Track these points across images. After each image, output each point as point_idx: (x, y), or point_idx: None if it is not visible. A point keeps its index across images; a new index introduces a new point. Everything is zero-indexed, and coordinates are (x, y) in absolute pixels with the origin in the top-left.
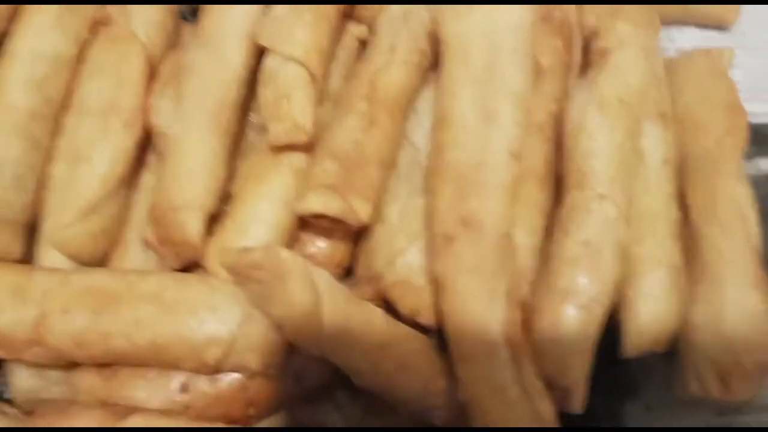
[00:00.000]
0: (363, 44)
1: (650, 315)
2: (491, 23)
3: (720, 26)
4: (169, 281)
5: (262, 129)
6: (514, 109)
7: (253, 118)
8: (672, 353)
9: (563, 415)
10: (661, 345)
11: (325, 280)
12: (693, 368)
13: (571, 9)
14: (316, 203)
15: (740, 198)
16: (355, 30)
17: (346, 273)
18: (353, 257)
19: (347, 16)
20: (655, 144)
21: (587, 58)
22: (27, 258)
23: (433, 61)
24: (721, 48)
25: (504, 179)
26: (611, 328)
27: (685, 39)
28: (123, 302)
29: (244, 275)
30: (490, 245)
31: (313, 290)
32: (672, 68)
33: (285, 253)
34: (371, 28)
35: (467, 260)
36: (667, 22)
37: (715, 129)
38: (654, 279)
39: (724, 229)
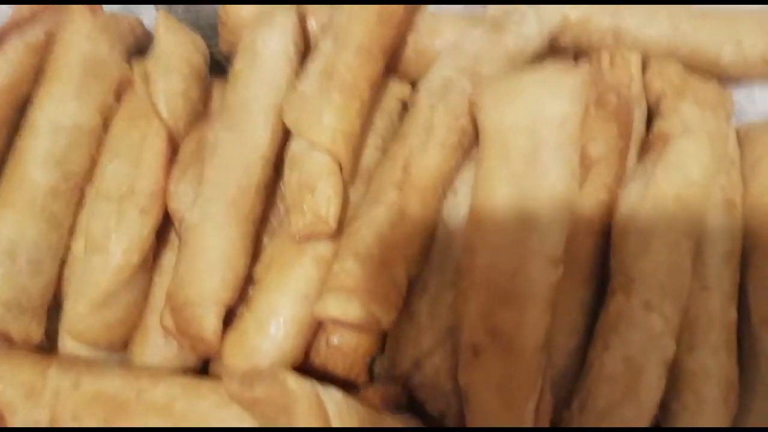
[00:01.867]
0: (405, 106)
1: None
2: (535, 116)
3: None
4: (179, 391)
5: (286, 215)
6: (556, 211)
7: (282, 187)
8: None
9: None
10: None
11: (337, 405)
12: None
13: (633, 79)
14: (335, 309)
15: None
16: (397, 90)
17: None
18: (383, 345)
19: (390, 71)
20: (718, 237)
21: (649, 139)
22: (52, 331)
23: (474, 138)
24: None
25: (541, 290)
26: None
27: None
28: (132, 413)
29: (249, 405)
30: (521, 361)
31: (322, 418)
32: (748, 137)
33: (292, 382)
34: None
35: (494, 375)
36: (749, 78)
37: None
38: (704, 394)
39: None
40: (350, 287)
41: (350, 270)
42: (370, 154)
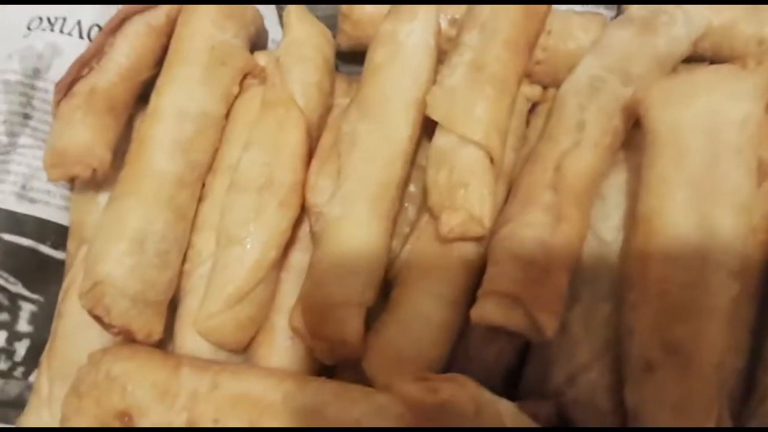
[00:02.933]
0: (533, 107)
1: None
2: (714, 117)
3: None
4: (330, 396)
5: (425, 209)
6: (738, 219)
7: (412, 188)
8: None
9: None
10: None
11: (511, 416)
12: None
13: None
14: (496, 315)
15: None
16: (527, 90)
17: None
18: (522, 359)
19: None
20: None
21: None
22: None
23: (623, 139)
24: None
25: (721, 302)
26: None
27: None
28: (279, 416)
29: (423, 415)
30: (699, 378)
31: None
32: None
33: (472, 387)
34: (544, 88)
35: (671, 395)
36: None
37: None
38: None
39: None
40: (512, 292)
41: (510, 274)
42: (507, 154)
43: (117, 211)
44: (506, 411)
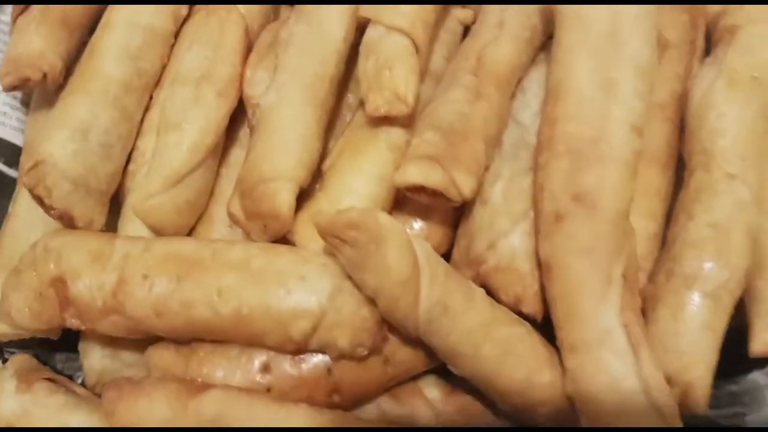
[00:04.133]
0: (467, 30)
1: None
2: None
3: None
4: (257, 249)
5: (360, 106)
6: (637, 80)
7: (350, 97)
8: None
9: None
10: None
11: (425, 250)
12: None
13: None
14: (417, 174)
15: None
16: (459, 13)
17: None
18: (451, 242)
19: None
20: None
21: (714, 37)
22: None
23: (544, 39)
24: None
25: (624, 155)
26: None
27: None
28: (207, 270)
29: (339, 237)
30: (606, 224)
31: (412, 258)
32: None
33: (383, 217)
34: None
35: (580, 239)
36: None
37: None
38: None
39: None
40: (431, 154)
41: (430, 140)
42: (437, 60)
43: (64, 104)
44: (420, 245)
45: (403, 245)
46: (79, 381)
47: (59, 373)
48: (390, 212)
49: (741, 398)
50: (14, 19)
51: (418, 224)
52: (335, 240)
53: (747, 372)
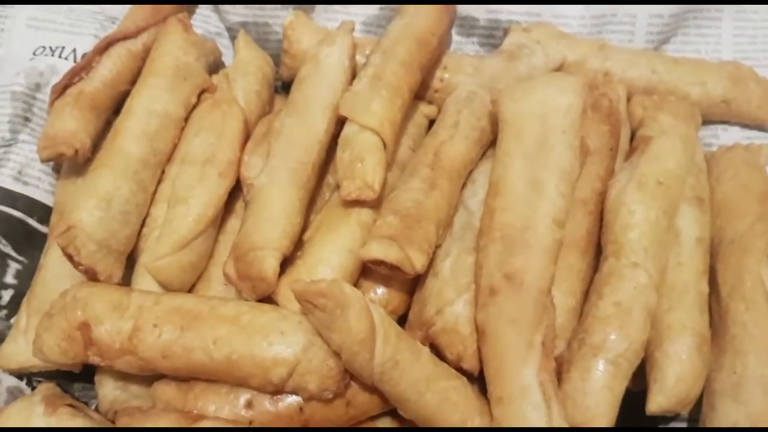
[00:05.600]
0: (431, 123)
1: (675, 377)
2: (545, 106)
3: (761, 127)
4: (246, 307)
5: (337, 188)
6: (560, 181)
7: (330, 179)
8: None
9: None
10: (685, 406)
11: (380, 315)
12: None
13: (620, 100)
14: (378, 251)
15: (766, 278)
16: (425, 109)
17: (400, 321)
18: (408, 306)
19: (419, 98)
20: (691, 224)
21: (633, 145)
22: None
23: (492, 138)
24: (759, 144)
25: (547, 242)
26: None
27: (728, 137)
28: (205, 322)
29: (310, 302)
30: (530, 299)
31: (369, 322)
32: (714, 160)
33: (347, 287)
34: (440, 110)
35: (508, 311)
36: (713, 121)
37: (748, 215)
38: (681, 343)
39: (749, 305)
40: (391, 234)
41: (391, 223)
42: (404, 151)
43: (92, 177)
44: (376, 309)
45: (362, 311)
46: (93, 407)
47: (76, 399)
48: (358, 280)
49: None
50: (51, 102)
51: (380, 290)
52: (308, 304)
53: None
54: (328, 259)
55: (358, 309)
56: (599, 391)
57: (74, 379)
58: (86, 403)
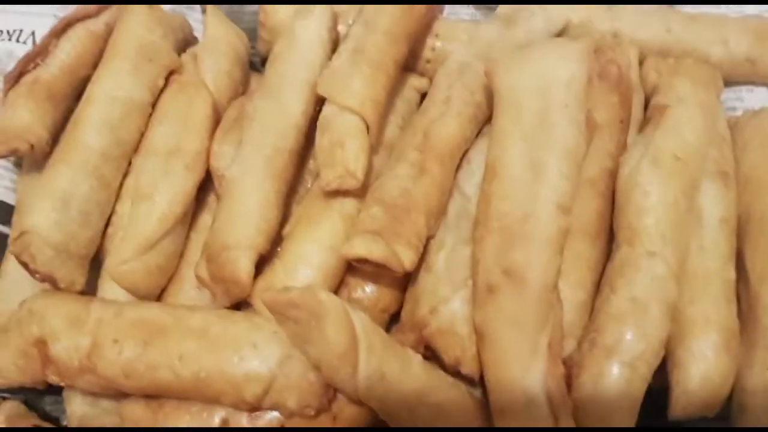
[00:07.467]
0: (423, 97)
1: (700, 377)
2: (544, 78)
3: None
4: (215, 317)
5: (318, 175)
6: (563, 163)
7: (312, 165)
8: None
9: None
10: (711, 409)
11: (363, 322)
12: None
13: (630, 65)
14: (361, 248)
15: None
16: (416, 82)
17: (393, 319)
18: (400, 304)
19: (409, 69)
20: (714, 203)
21: (647, 115)
22: (91, 292)
23: (489, 113)
24: None
25: (550, 232)
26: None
27: (754, 99)
28: (170, 336)
29: (282, 314)
30: (533, 297)
31: (350, 332)
32: (738, 127)
33: (324, 294)
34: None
35: (509, 311)
36: (737, 82)
37: None
38: (706, 340)
39: None
40: (375, 229)
41: (375, 215)
42: (391, 130)
43: (47, 174)
44: (358, 317)
45: (341, 321)
46: (65, 423)
47: (47, 414)
48: (344, 277)
49: None
50: (5, 92)
51: (369, 288)
52: (280, 316)
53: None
54: (308, 257)
55: (336, 319)
56: (614, 399)
57: (44, 392)
58: (57, 419)
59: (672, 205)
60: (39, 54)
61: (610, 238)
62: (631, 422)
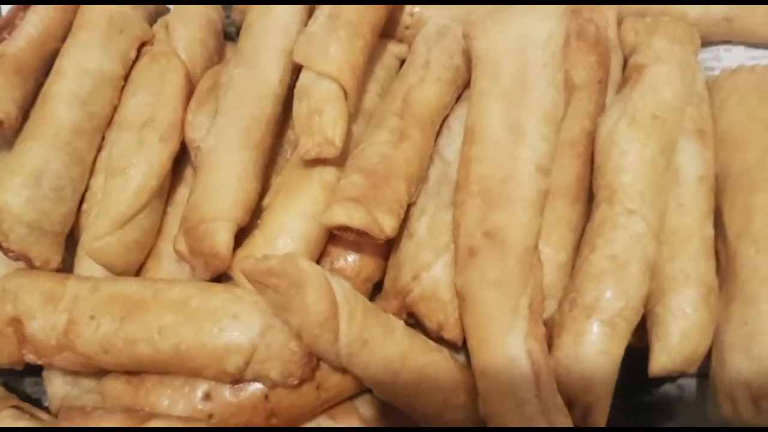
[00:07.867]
0: (403, 64)
1: (680, 333)
2: (522, 38)
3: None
4: (194, 290)
5: (297, 145)
6: (543, 124)
7: (291, 134)
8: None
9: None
10: (692, 365)
11: (343, 289)
12: (725, 390)
13: (608, 25)
14: (341, 215)
15: None
16: (395, 49)
17: (377, 289)
18: (383, 273)
19: (388, 36)
20: (692, 161)
21: (624, 75)
22: (68, 270)
23: (468, 77)
24: (766, 65)
25: (530, 194)
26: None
27: (732, 58)
28: (148, 309)
29: (262, 282)
30: (514, 259)
31: (330, 299)
32: (716, 86)
33: (304, 262)
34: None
35: (490, 273)
36: (714, 41)
37: (756, 146)
38: (685, 296)
39: (760, 248)
40: (356, 196)
41: (355, 182)
42: (371, 98)
43: (18, 150)
44: (339, 284)
45: (321, 288)
46: (46, 404)
47: (28, 396)
48: (325, 246)
49: (655, 409)
50: None
51: (352, 257)
52: (259, 285)
53: (660, 385)
54: (289, 227)
55: (316, 286)
56: (595, 357)
57: (24, 374)
58: (39, 400)
59: (650, 164)
60: (5, 27)
61: (590, 199)
62: (611, 382)
